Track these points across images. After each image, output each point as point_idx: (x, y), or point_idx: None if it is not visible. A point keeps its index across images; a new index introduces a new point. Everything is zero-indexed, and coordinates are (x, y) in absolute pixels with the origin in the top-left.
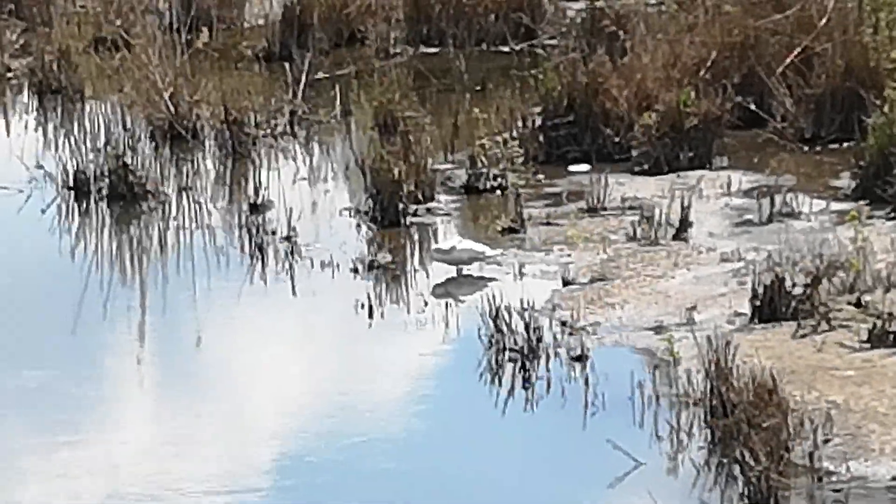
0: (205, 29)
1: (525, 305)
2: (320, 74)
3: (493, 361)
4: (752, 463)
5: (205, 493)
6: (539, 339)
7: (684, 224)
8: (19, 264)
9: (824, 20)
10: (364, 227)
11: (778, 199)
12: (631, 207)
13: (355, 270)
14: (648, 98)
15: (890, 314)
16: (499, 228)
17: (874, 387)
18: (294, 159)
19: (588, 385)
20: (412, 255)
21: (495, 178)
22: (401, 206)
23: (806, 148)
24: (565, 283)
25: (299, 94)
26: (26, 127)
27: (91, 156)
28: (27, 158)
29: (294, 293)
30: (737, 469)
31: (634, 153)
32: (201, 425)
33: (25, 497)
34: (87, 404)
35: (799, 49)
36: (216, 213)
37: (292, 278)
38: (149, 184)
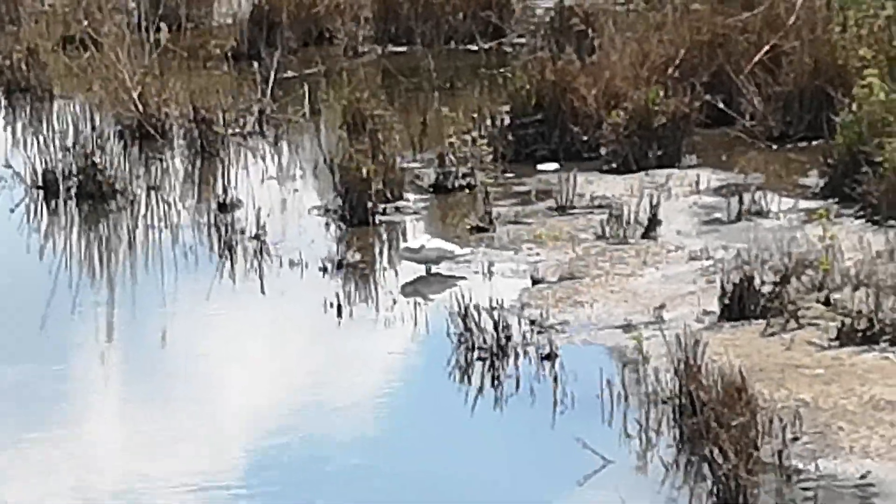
0: (165, 26)
1: (494, 304)
2: (289, 73)
3: (462, 360)
4: (720, 461)
5: (175, 490)
6: (508, 338)
7: (653, 223)
8: None
9: (792, 18)
10: (333, 226)
11: (746, 197)
12: (600, 206)
13: (324, 269)
14: (617, 96)
15: (859, 312)
16: (467, 227)
17: (843, 385)
18: (263, 158)
19: (557, 383)
20: (381, 253)
21: (464, 176)
22: (369, 204)
23: (775, 146)
24: (534, 281)
25: (268, 93)
26: None
27: (60, 155)
28: None
29: (263, 292)
30: (706, 467)
31: (603, 151)
32: (170, 423)
33: None
34: (56, 401)
35: (767, 47)
36: (185, 212)
37: (261, 277)
38: (117, 183)
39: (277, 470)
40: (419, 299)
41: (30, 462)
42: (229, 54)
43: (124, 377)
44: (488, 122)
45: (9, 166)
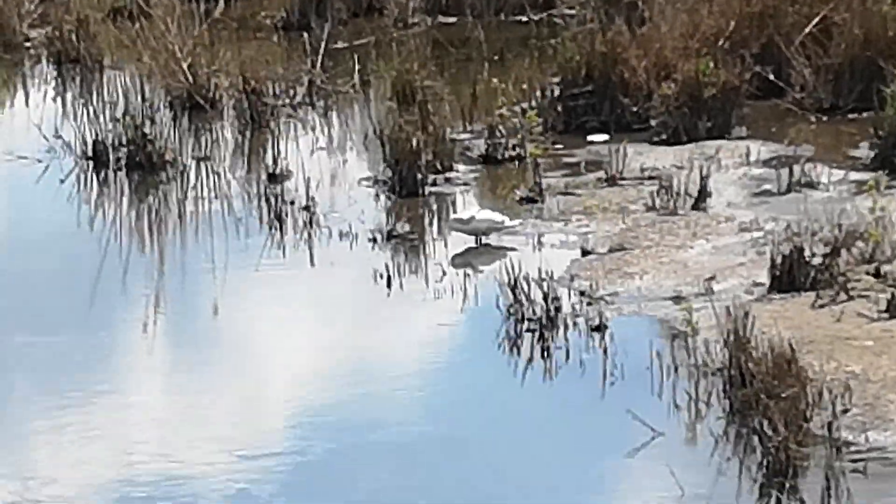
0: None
1: (543, 275)
2: (339, 44)
3: (512, 331)
4: (770, 433)
5: (220, 455)
6: (557, 309)
7: (703, 194)
8: (38, 233)
9: None
10: (382, 197)
11: (796, 169)
12: (650, 177)
13: (374, 240)
14: (667, 68)
15: None
16: (517, 198)
17: (893, 356)
18: (312, 129)
19: (606, 355)
20: (430, 224)
21: (514, 147)
22: (419, 175)
23: (825, 118)
24: (584, 252)
25: (318, 64)
26: (45, 97)
27: (109, 125)
28: (46, 128)
29: (312, 263)
30: (755, 439)
31: (653, 123)
32: (218, 390)
33: (40, 458)
34: (104, 368)
35: (818, 19)
36: (234, 182)
37: (311, 248)
38: (167, 153)
39: (323, 436)
40: (468, 270)
41: (74, 425)
42: (279, 25)
43: (173, 345)
44: (538, 93)
45: (59, 137)
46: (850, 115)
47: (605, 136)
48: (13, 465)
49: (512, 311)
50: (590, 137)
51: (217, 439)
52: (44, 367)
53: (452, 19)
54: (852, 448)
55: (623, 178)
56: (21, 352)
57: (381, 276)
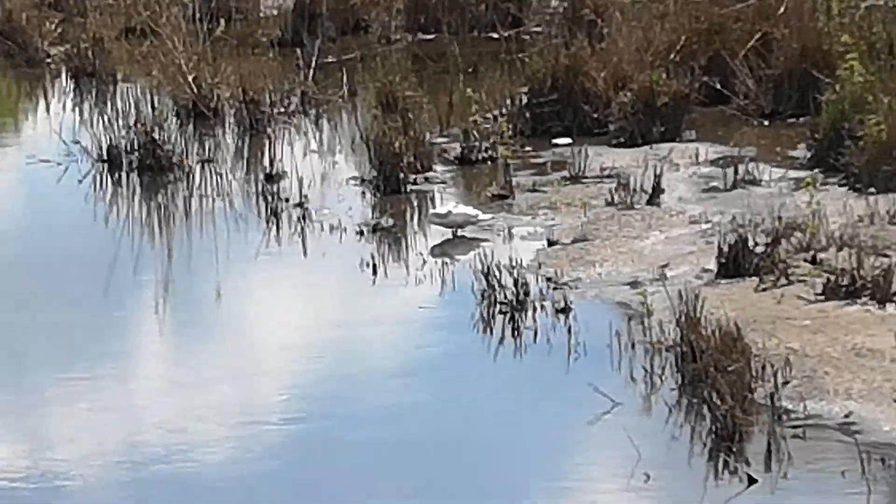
0: (223, 19)
1: (514, 263)
2: (329, 59)
3: (485, 313)
4: (718, 403)
5: (220, 423)
6: (526, 294)
7: (657, 191)
8: (58, 228)
9: (782, 8)
10: (368, 195)
11: (741, 168)
12: (609, 176)
13: (360, 233)
14: (624, 78)
15: (842, 270)
16: (490, 195)
17: (828, 334)
18: (305, 134)
19: (570, 334)
20: (412, 219)
21: (486, 150)
22: (401, 175)
23: (766, 122)
24: (550, 243)
25: (310, 77)
26: (64, 106)
27: (122, 132)
28: (65, 135)
29: (305, 253)
30: (705, 408)
31: (611, 127)
32: (218, 367)
33: (58, 424)
34: (115, 346)
35: (759, 34)
36: (235, 182)
37: (304, 240)
38: (174, 157)
39: (315, 405)
40: (446, 259)
41: (88, 399)
42: (275, 42)
43: (179, 324)
44: (508, 101)
45: (77, 142)
46: (789, 120)
47: (568, 140)
48: (29, 430)
49: (485, 295)
50: (555, 141)
51: (217, 406)
52: (63, 342)
53: (431, 36)
54: (792, 416)
55: (585, 177)
56: (44, 328)
57: (368, 265)
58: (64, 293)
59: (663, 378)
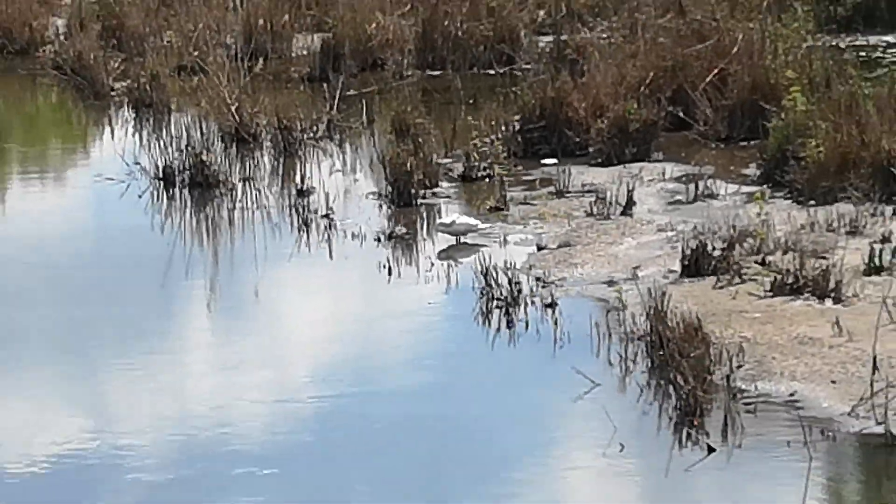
0: (261, 58)
1: (508, 265)
2: (350, 92)
3: (484, 308)
4: (682, 384)
5: (258, 400)
6: (519, 291)
7: (629, 203)
8: (120, 236)
9: (735, 48)
10: (384, 207)
11: (701, 183)
12: (589, 191)
13: (378, 240)
14: (601, 108)
15: (787, 270)
16: (488, 207)
17: (775, 325)
18: (331, 156)
19: (556, 325)
20: (421, 227)
21: (484, 169)
22: (412, 190)
23: (722, 145)
24: (539, 248)
25: (335, 107)
26: (126, 133)
27: (176, 154)
28: (127, 156)
29: (331, 257)
30: (671, 388)
31: (591, 150)
32: (257, 352)
33: (119, 401)
34: (166, 336)
35: (716, 70)
36: (271, 197)
37: (330, 246)
38: (220, 175)
39: (339, 385)
40: (451, 262)
41: (138, 379)
42: (305, 77)
43: (223, 317)
44: (503, 127)
45: (137, 163)
46: (742, 143)
47: (554, 160)
48: (91, 407)
49: (484, 292)
50: (543, 161)
51: (255, 386)
52: (124, 332)
53: (438, 72)
54: (745, 394)
55: (568, 192)
56: (108, 320)
57: (384, 267)
58: (125, 290)
59: (636, 362)
